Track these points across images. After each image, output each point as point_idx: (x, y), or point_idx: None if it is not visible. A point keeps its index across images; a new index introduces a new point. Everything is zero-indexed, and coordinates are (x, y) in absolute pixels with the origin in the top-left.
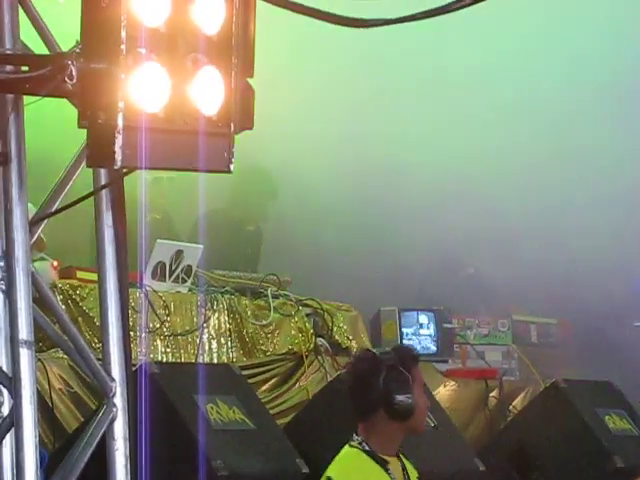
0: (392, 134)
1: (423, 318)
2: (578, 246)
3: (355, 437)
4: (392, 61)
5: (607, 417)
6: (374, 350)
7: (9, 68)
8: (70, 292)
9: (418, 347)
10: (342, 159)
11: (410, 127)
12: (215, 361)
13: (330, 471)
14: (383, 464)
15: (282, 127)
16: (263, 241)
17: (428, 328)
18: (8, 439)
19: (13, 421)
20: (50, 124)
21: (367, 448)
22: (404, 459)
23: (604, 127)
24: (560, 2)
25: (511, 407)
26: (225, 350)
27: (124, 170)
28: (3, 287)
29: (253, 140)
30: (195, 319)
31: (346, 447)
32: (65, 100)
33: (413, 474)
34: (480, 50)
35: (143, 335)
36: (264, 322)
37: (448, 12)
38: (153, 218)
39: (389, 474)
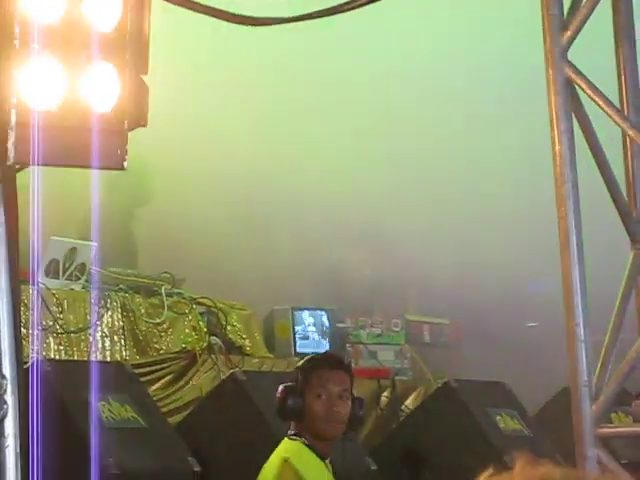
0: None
1: (316, 317)
2: (471, 247)
3: (290, 431)
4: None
5: (498, 417)
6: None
7: None
8: None
9: (311, 345)
10: (230, 157)
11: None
12: (108, 359)
13: (283, 452)
14: (324, 460)
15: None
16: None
17: (321, 327)
18: None
19: None
20: None
21: (307, 443)
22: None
23: (505, 132)
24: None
25: (403, 407)
26: (118, 348)
27: (17, 166)
28: None
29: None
30: (88, 317)
31: (286, 440)
32: None
33: None
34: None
35: (36, 332)
36: (157, 320)
37: (342, 12)
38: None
39: (328, 469)
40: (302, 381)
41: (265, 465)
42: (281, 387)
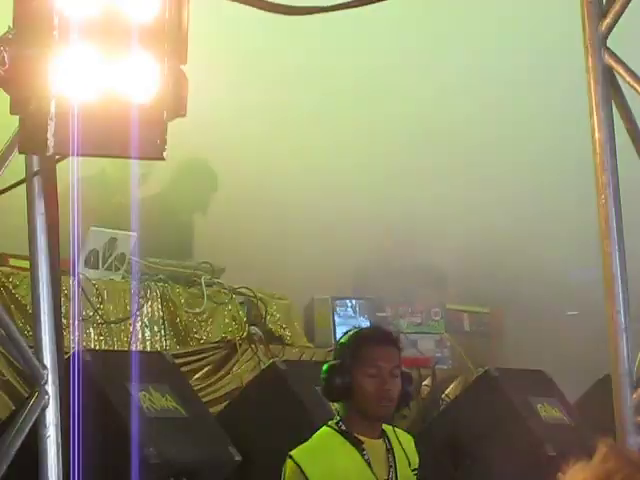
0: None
1: (356, 306)
2: (511, 236)
3: (335, 417)
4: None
5: (539, 406)
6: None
7: None
8: (3, 279)
9: None
10: (279, 147)
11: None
12: (148, 349)
13: (295, 450)
14: (357, 444)
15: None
16: (193, 233)
17: (361, 316)
18: None
19: None
20: None
21: (343, 427)
22: (400, 445)
23: (539, 116)
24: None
25: (444, 396)
26: (158, 338)
27: (56, 157)
28: None
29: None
30: (128, 307)
31: (323, 427)
32: None
33: (412, 459)
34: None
35: (76, 323)
36: (197, 310)
37: (381, 0)
38: (119, 202)
39: (362, 454)
40: (351, 359)
41: None
42: (327, 365)
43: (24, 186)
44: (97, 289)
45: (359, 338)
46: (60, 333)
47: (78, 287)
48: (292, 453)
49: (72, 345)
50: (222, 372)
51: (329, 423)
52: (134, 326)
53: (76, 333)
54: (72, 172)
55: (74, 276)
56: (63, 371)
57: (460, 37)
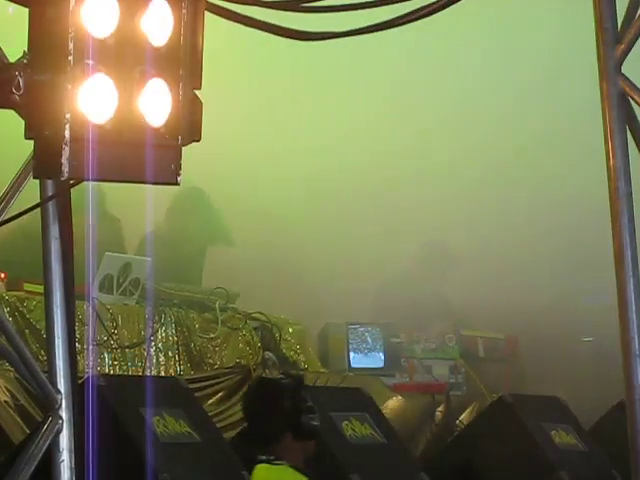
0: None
1: (371, 332)
2: (528, 263)
3: (268, 457)
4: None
5: (553, 432)
6: (269, 377)
7: None
8: (17, 304)
9: (366, 360)
10: (289, 171)
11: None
12: (162, 374)
13: None
14: None
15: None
16: (203, 264)
17: (375, 342)
18: None
19: None
20: None
21: (294, 465)
22: None
23: (559, 153)
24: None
25: (458, 422)
26: (173, 363)
27: (71, 182)
28: None
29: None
30: (143, 332)
31: (267, 466)
32: (12, 111)
33: None
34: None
35: (90, 347)
36: (212, 335)
37: (394, 27)
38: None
39: None
40: (296, 400)
41: None
42: (287, 405)
43: (38, 211)
44: (112, 314)
45: (294, 379)
46: (74, 358)
47: (92, 312)
48: None
49: (86, 370)
50: (236, 397)
51: (276, 462)
52: (148, 351)
53: (90, 358)
54: (89, 198)
55: (89, 301)
56: (77, 396)
57: None
